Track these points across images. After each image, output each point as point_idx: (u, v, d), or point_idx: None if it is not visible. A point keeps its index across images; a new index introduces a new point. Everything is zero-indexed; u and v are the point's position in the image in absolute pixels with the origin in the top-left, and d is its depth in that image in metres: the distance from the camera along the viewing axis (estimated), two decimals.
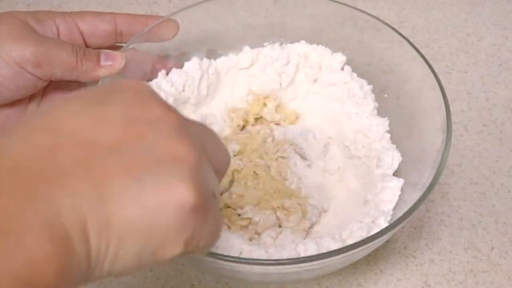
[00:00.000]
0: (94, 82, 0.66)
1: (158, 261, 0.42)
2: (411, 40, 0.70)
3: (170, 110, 0.43)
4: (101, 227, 0.38)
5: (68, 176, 0.38)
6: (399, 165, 0.66)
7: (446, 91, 0.65)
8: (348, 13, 0.74)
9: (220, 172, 0.46)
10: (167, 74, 0.70)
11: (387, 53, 0.73)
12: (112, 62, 0.66)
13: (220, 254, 0.55)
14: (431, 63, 0.68)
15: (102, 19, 0.69)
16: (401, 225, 0.57)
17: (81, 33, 0.68)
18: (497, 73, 0.85)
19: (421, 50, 0.69)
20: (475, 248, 0.70)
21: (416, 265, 0.68)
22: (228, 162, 0.48)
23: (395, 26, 0.74)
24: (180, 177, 0.41)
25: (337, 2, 0.74)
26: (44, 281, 0.36)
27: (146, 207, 0.39)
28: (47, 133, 0.40)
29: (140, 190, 0.39)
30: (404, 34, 0.72)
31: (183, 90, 0.70)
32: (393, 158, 0.66)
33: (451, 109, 0.64)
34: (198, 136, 0.44)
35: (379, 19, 0.72)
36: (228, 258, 0.55)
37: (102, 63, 0.66)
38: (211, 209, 0.43)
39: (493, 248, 0.70)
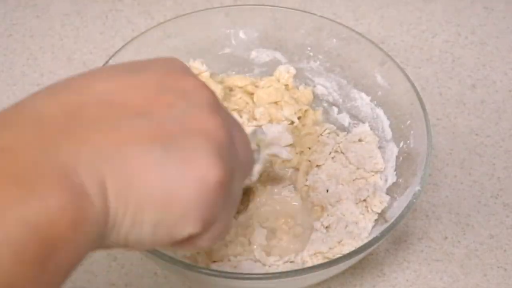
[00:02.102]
0: None
1: (174, 238, 0.40)
2: (367, 36, 0.72)
3: (204, 85, 0.42)
4: (120, 189, 0.37)
5: (91, 131, 0.37)
6: None
7: None
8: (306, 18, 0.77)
9: (244, 172, 0.45)
10: None
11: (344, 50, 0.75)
12: None
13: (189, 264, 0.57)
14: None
15: None
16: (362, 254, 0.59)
17: None
18: (450, 68, 0.88)
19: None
20: (429, 238, 0.72)
21: (372, 255, 0.70)
22: (252, 162, 0.46)
23: (351, 23, 0.76)
24: (207, 151, 0.39)
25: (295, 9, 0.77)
26: (56, 232, 0.34)
27: (169, 176, 0.38)
28: (74, 92, 0.39)
29: (164, 157, 0.38)
30: (360, 31, 0.74)
31: None
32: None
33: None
34: (229, 121, 0.42)
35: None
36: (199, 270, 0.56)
37: None
38: (231, 195, 0.42)
39: (446, 238, 0.72)
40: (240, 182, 0.44)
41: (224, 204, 0.41)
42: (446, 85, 0.86)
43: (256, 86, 0.76)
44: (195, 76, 0.42)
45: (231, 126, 0.42)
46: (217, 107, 0.41)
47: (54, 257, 0.34)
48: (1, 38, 0.89)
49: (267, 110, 0.73)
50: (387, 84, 0.72)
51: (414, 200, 0.61)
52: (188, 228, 0.40)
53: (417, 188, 0.62)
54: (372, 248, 0.58)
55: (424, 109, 0.67)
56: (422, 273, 0.70)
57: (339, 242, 0.65)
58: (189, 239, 0.41)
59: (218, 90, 0.71)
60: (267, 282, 0.58)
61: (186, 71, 0.43)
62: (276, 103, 0.74)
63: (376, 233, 0.61)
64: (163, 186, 0.38)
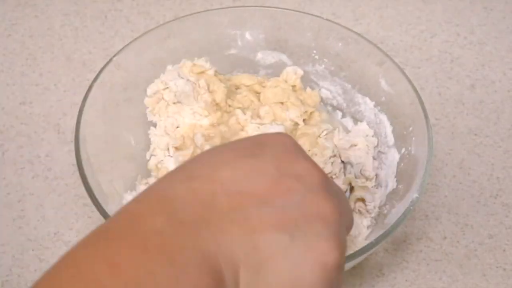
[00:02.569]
0: None
1: None
2: (366, 36, 0.72)
3: (315, 166, 0.45)
4: (252, 274, 0.41)
5: (226, 221, 0.41)
6: None
7: None
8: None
9: (347, 231, 0.47)
10: None
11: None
12: None
13: None
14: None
15: None
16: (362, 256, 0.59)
17: None
18: (449, 68, 0.88)
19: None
20: (428, 238, 0.72)
21: (371, 254, 0.70)
22: (352, 221, 0.49)
23: (351, 24, 0.76)
24: (326, 236, 0.42)
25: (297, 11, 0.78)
26: None
27: (295, 262, 0.41)
28: (205, 181, 0.42)
29: (290, 244, 0.41)
30: (359, 31, 0.74)
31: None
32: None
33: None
34: (336, 195, 0.45)
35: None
36: None
37: None
38: (344, 265, 0.45)
39: (445, 238, 0.72)
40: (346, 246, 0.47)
41: (341, 277, 0.44)
42: (445, 85, 0.86)
43: (263, 86, 0.76)
44: (306, 157, 0.46)
45: (338, 198, 0.45)
46: (329, 187, 0.45)
47: None
48: (0, 38, 0.89)
49: (272, 110, 0.73)
50: (391, 90, 0.72)
51: (411, 208, 0.61)
52: None
53: (415, 195, 0.62)
54: (366, 254, 0.59)
55: (426, 116, 0.67)
56: (421, 273, 0.70)
57: None
58: None
59: (221, 88, 0.71)
60: None
61: (298, 151, 0.46)
62: (282, 103, 0.74)
63: (373, 237, 0.61)
64: (290, 273, 0.41)
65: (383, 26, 0.92)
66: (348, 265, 0.60)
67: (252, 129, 0.70)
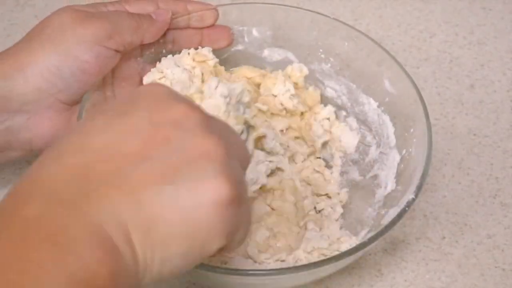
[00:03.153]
0: (156, 39, 0.70)
1: (204, 258, 0.43)
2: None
3: (192, 107, 0.44)
4: (143, 233, 0.40)
5: (104, 188, 0.40)
6: None
7: None
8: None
9: (243, 169, 0.47)
10: None
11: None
12: (161, 16, 0.69)
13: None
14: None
15: (146, 3, 0.71)
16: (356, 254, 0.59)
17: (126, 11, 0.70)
18: (448, 68, 0.88)
19: None
20: (426, 238, 0.72)
21: (370, 254, 0.70)
22: (249, 158, 0.49)
23: (350, 24, 0.76)
24: (212, 173, 0.41)
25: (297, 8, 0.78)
26: (99, 284, 0.37)
27: (184, 208, 0.41)
28: (76, 153, 0.41)
29: (175, 192, 0.41)
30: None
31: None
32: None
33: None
34: (221, 131, 0.44)
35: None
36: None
37: (154, 18, 0.69)
38: (243, 199, 0.44)
39: (444, 238, 0.72)
40: (244, 181, 0.46)
41: (240, 212, 0.44)
42: (444, 85, 0.86)
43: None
44: (181, 100, 0.44)
45: (223, 134, 0.44)
46: (209, 124, 0.44)
47: None
48: None
49: (267, 99, 0.73)
50: (395, 91, 0.72)
51: (407, 209, 0.61)
52: (215, 245, 0.43)
53: (411, 196, 0.62)
54: (359, 253, 0.59)
55: (427, 118, 0.67)
56: (420, 273, 0.70)
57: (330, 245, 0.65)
58: (218, 251, 0.44)
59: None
60: (263, 279, 0.58)
61: (171, 97, 0.44)
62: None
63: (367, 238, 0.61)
64: (182, 219, 0.41)
65: (382, 26, 0.92)
66: (341, 264, 0.60)
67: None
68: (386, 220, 0.62)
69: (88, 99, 0.66)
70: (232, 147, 0.44)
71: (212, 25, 0.74)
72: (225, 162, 0.42)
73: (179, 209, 0.41)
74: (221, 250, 0.44)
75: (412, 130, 0.69)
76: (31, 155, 0.71)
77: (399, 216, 0.60)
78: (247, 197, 0.46)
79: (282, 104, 0.73)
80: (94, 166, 0.40)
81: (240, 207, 0.43)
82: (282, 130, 0.72)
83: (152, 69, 0.71)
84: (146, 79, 0.71)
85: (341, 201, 0.71)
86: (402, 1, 0.95)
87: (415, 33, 0.92)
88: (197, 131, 0.43)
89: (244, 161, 0.47)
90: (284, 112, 0.73)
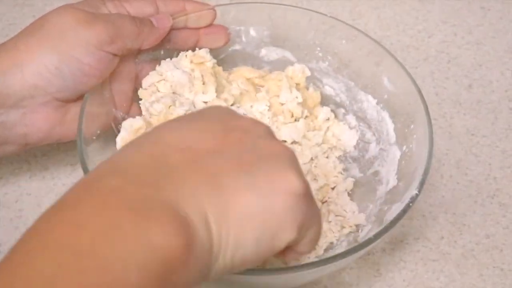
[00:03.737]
0: (153, 46, 0.70)
1: (274, 248, 0.45)
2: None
3: (257, 121, 0.48)
4: (220, 215, 0.42)
5: (181, 171, 0.42)
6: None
7: None
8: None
9: None
10: None
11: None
12: (162, 23, 0.70)
13: None
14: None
15: (145, 2, 0.71)
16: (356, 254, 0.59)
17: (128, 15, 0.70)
18: (446, 68, 0.88)
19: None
20: (425, 238, 0.72)
21: (368, 254, 0.70)
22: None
23: (348, 23, 0.76)
24: (285, 167, 0.45)
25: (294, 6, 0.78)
26: (174, 254, 0.39)
27: (261, 193, 0.43)
28: (153, 145, 0.44)
29: (252, 179, 0.43)
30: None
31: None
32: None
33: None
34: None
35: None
36: None
37: (155, 24, 0.69)
38: (313, 198, 0.47)
39: (442, 238, 0.72)
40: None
41: (311, 208, 0.46)
42: (442, 85, 0.86)
43: (265, 80, 0.75)
44: (245, 117, 0.49)
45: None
46: (274, 135, 0.48)
47: (171, 277, 0.39)
48: None
49: (268, 96, 0.73)
50: (394, 88, 0.72)
51: (411, 204, 0.61)
52: (286, 235, 0.44)
53: (415, 192, 0.62)
54: (365, 249, 0.58)
55: (427, 114, 0.67)
56: (419, 273, 0.70)
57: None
58: (290, 248, 0.47)
59: (211, 81, 0.71)
60: (260, 278, 0.58)
61: (236, 113, 0.48)
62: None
63: (372, 234, 0.61)
64: (258, 203, 0.43)
65: (380, 26, 0.92)
66: (346, 261, 0.60)
67: None
68: (390, 216, 0.62)
69: (88, 99, 0.66)
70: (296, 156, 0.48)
71: (210, 25, 0.74)
72: (295, 161, 0.46)
73: (256, 193, 0.43)
74: (292, 247, 0.47)
75: (412, 126, 0.69)
76: (27, 154, 0.71)
77: (404, 211, 0.60)
78: (314, 198, 0.48)
79: (290, 111, 0.73)
80: (172, 155, 0.43)
81: (311, 203, 0.46)
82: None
83: (151, 73, 0.71)
84: (145, 82, 0.71)
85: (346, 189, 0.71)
86: (401, 1, 0.95)
87: (414, 33, 0.92)
88: (267, 138, 0.46)
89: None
90: (290, 116, 0.73)
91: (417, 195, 0.61)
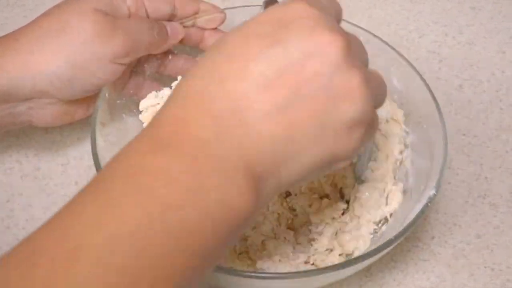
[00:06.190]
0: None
1: (339, 127, 0.47)
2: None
3: (338, 36, 0.47)
4: (288, 163, 0.46)
5: (261, 122, 0.45)
6: None
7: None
8: None
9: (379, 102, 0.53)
10: None
11: None
12: (175, 33, 0.71)
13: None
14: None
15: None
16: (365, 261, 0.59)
17: (146, 12, 0.70)
18: (437, 68, 0.88)
19: None
20: (416, 238, 0.72)
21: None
22: (384, 92, 0.55)
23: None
24: (353, 110, 0.47)
25: None
26: (247, 213, 0.44)
27: (325, 147, 0.47)
28: (238, 79, 0.45)
29: (321, 133, 0.46)
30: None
31: None
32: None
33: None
34: (361, 64, 0.50)
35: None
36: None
37: (169, 33, 0.70)
38: (370, 80, 0.49)
39: (433, 238, 0.73)
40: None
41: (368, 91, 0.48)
42: (433, 85, 0.85)
43: None
44: (332, 29, 0.48)
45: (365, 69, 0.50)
46: (353, 56, 0.48)
47: (238, 229, 0.44)
48: None
49: None
50: (404, 88, 0.72)
51: (429, 204, 0.61)
52: (349, 113, 0.47)
53: (432, 192, 0.62)
54: (385, 251, 0.59)
55: (440, 113, 0.67)
56: (409, 272, 0.70)
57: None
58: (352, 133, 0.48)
59: None
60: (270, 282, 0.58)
61: (318, 21, 0.47)
62: None
63: (388, 235, 0.61)
64: (321, 156, 0.47)
65: (371, 26, 0.92)
66: (363, 264, 0.60)
67: None
68: (405, 215, 0.63)
69: (100, 107, 0.67)
70: (371, 80, 0.50)
71: (215, 28, 0.74)
72: (368, 96, 0.48)
73: (322, 146, 0.47)
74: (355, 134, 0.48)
75: (425, 126, 0.69)
76: (19, 154, 0.70)
77: (422, 211, 0.61)
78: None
79: None
80: (252, 97, 0.45)
81: (368, 78, 0.49)
82: None
83: (148, 95, 0.71)
84: (143, 104, 0.71)
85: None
86: (391, 1, 0.96)
87: (404, 33, 0.92)
88: (342, 68, 0.47)
89: (382, 95, 0.54)
90: None
91: (434, 195, 0.62)
